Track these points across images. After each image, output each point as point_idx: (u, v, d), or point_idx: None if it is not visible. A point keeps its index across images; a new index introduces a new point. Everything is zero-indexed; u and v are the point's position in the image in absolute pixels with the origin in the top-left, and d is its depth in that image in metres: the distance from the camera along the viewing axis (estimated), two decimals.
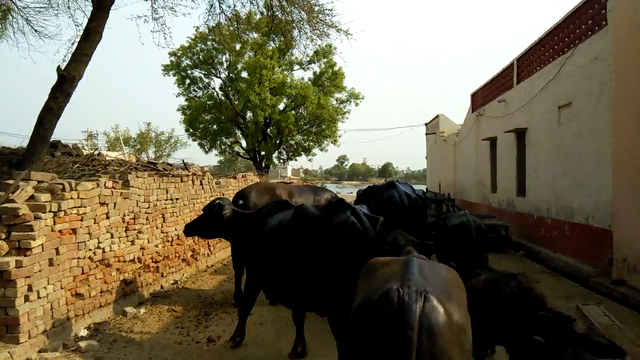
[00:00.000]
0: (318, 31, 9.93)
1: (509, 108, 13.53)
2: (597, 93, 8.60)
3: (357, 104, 29.26)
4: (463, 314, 2.52)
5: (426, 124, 31.24)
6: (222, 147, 29.24)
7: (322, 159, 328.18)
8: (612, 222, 8.13)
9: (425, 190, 25.69)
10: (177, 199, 8.53)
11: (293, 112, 27.02)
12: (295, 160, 32.52)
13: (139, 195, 7.19)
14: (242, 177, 13.41)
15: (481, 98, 17.01)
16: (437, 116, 27.25)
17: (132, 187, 6.99)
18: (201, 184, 9.94)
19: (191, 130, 28.06)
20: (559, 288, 8.09)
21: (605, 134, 8.34)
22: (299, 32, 10.12)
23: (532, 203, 11.93)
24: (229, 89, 27.20)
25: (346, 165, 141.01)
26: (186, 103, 27.43)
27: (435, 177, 29.17)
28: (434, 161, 29.82)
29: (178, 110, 27.80)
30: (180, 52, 27.06)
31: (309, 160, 31.42)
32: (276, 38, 28.07)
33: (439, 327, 2.30)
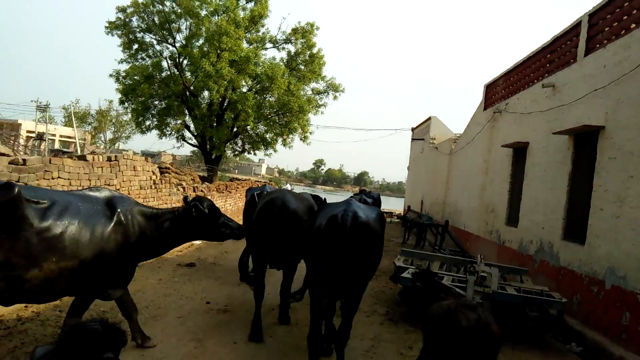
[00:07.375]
0: None
1: (564, 96, 8.38)
2: None
3: (335, 97, 24.26)
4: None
5: (413, 129, 26.21)
6: (168, 129, 23.63)
7: (299, 160, 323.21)
8: None
9: (407, 209, 20.77)
10: None
11: (256, 95, 21.66)
12: (254, 154, 27.16)
13: None
14: (110, 160, 7.60)
15: (504, 88, 11.88)
16: (429, 119, 22.24)
17: None
18: None
19: (127, 103, 22.43)
20: None
21: None
22: None
23: (600, 259, 6.73)
24: (181, 58, 21.79)
25: (322, 169, 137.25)
26: (127, 69, 21.64)
27: (416, 192, 24.02)
28: (418, 173, 24.69)
29: (111, 75, 21.94)
30: (132, 7, 21.43)
31: (266, 155, 25.74)
32: (248, 5, 22.84)
33: None
